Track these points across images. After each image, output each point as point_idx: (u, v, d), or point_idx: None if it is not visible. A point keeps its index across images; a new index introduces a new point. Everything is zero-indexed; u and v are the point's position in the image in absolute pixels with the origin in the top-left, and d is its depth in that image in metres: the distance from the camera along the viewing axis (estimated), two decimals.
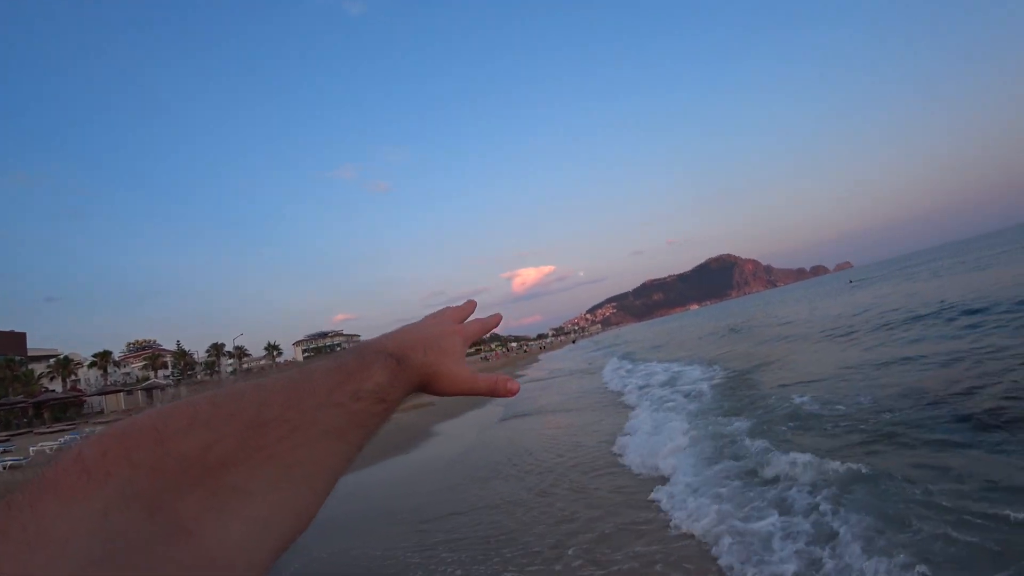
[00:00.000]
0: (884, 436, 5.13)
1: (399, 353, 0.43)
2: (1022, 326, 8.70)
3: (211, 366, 65.75)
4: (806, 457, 4.68)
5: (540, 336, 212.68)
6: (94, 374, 54.10)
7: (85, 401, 40.58)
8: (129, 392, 44.11)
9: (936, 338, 9.81)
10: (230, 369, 66.35)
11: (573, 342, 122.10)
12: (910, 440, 4.91)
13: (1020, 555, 2.85)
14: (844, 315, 18.32)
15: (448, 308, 0.57)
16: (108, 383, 51.41)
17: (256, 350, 75.97)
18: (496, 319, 0.60)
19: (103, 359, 54.20)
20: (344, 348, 0.46)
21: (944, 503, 3.54)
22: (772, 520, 3.81)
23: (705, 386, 10.47)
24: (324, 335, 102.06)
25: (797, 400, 7.19)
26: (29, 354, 48.74)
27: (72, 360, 50.10)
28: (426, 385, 0.45)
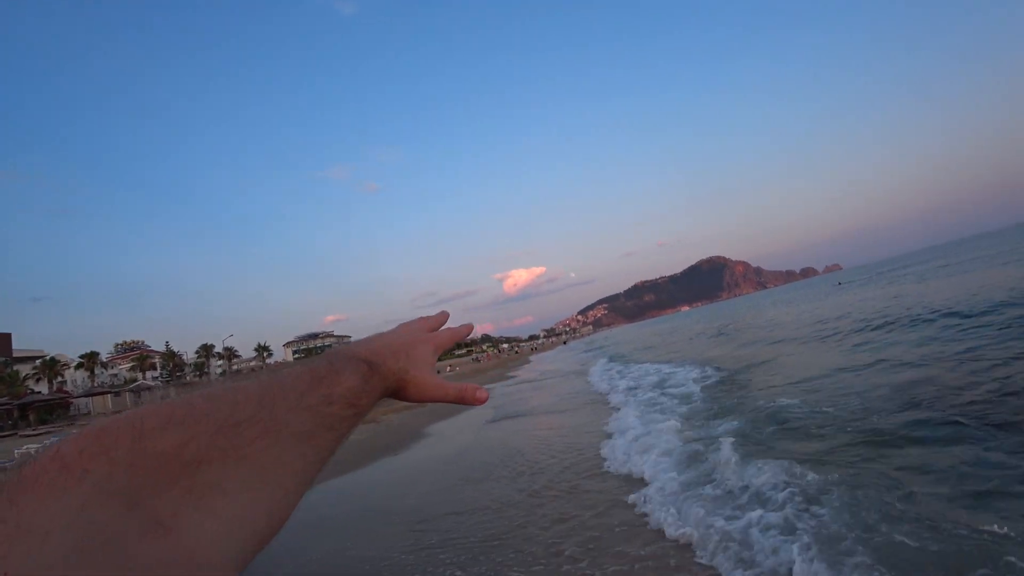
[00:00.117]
0: (866, 439, 5.25)
1: (370, 359, 0.44)
2: (1004, 329, 8.91)
3: (200, 367, 65.21)
4: (784, 463, 4.78)
5: (532, 337, 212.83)
6: (81, 375, 53.47)
7: (72, 403, 40.09)
8: (117, 394, 43.59)
9: (917, 341, 10.02)
10: (219, 370, 65.85)
11: (564, 343, 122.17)
12: (890, 442, 5.03)
13: (980, 563, 2.93)
14: (830, 317, 18.59)
15: (420, 317, 0.59)
16: (95, 385, 50.87)
17: (246, 351, 75.58)
18: (467, 329, 0.62)
19: (90, 360, 53.61)
20: (329, 349, 0.48)
21: (918, 509, 3.63)
22: (751, 519, 3.91)
23: (693, 388, 10.62)
24: (315, 336, 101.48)
25: (782, 402, 7.33)
26: (14, 355, 47.91)
27: (59, 361, 49.57)
28: (396, 391, 0.46)
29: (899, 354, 9.16)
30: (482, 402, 0.51)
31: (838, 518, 3.66)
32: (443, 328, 0.58)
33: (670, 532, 4.15)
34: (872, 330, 12.73)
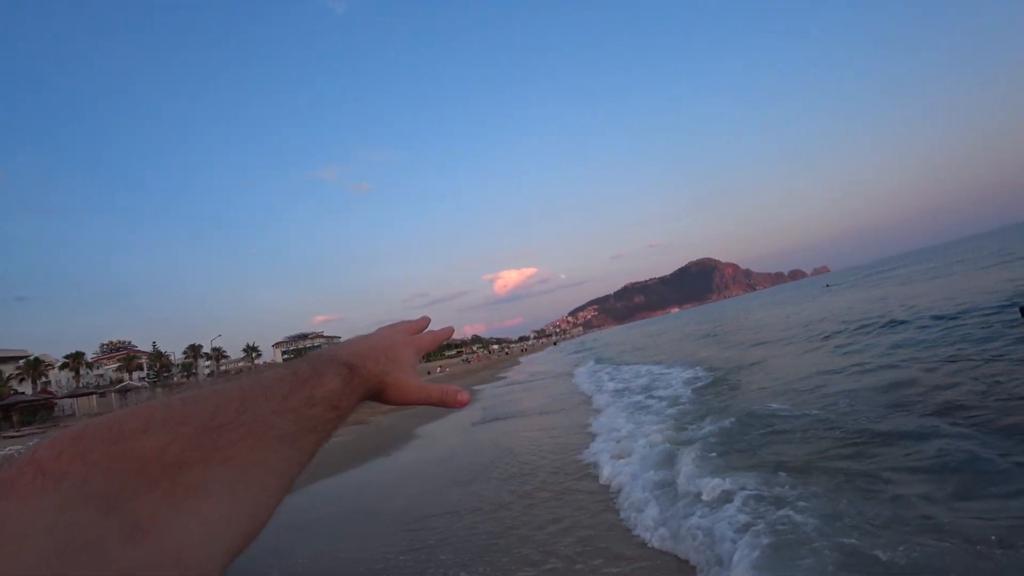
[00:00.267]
0: (852, 441, 5.31)
1: (352, 362, 0.44)
2: (988, 332, 9.05)
3: (188, 368, 64.51)
4: (765, 468, 4.85)
5: (522, 338, 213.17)
6: (66, 376, 52.65)
7: (56, 404, 39.44)
8: (102, 394, 43.00)
9: (900, 344, 10.16)
10: (207, 371, 65.23)
11: (555, 344, 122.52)
12: (875, 442, 5.11)
13: (965, 561, 2.99)
14: (817, 319, 18.80)
15: (403, 321, 0.59)
16: (80, 385, 50.17)
17: (235, 352, 74.90)
18: (448, 331, 0.63)
19: (75, 360, 52.78)
20: (313, 351, 0.48)
21: (899, 510, 3.70)
22: (728, 518, 3.96)
23: (681, 390, 10.69)
24: (304, 336, 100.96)
25: (769, 406, 7.40)
26: None
27: (43, 361, 48.74)
28: (378, 394, 0.46)
29: (879, 356, 9.30)
30: (463, 405, 0.51)
31: (816, 518, 3.71)
32: (425, 331, 0.59)
33: (655, 535, 4.20)
34: (860, 332, 12.90)
